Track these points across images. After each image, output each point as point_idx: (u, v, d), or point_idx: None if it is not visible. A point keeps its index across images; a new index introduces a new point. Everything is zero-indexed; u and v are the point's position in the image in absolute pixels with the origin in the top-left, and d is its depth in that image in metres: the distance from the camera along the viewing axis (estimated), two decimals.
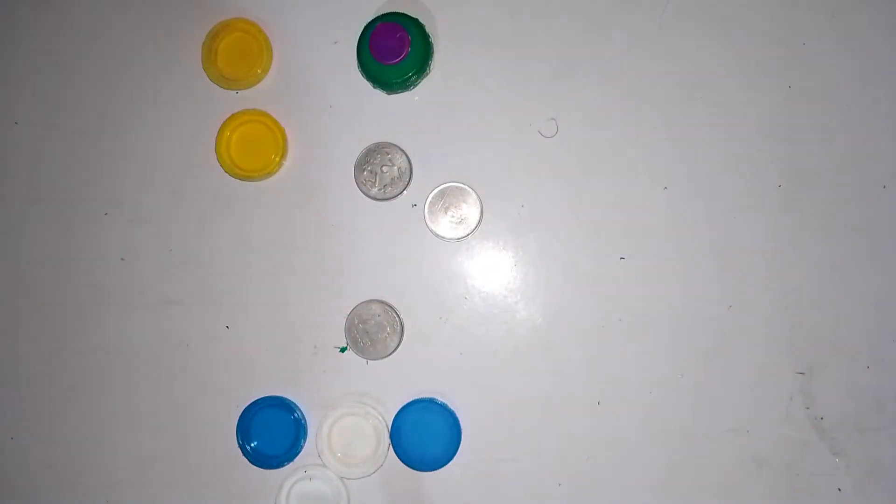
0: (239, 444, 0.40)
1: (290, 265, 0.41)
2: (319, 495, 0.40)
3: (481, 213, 0.40)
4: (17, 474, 0.42)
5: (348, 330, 0.40)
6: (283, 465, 0.41)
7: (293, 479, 0.40)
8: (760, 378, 0.40)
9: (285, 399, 0.41)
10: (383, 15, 0.40)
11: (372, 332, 0.40)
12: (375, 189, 0.40)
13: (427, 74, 0.41)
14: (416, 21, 0.40)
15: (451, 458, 0.39)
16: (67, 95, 0.43)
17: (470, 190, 0.40)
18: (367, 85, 0.41)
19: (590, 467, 0.40)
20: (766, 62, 0.40)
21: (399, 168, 0.40)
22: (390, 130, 0.41)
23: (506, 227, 0.41)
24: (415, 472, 0.40)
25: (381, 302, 0.40)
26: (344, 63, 0.41)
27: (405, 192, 0.41)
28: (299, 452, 0.41)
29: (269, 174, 0.41)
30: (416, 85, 0.41)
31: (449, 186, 0.40)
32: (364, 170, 0.40)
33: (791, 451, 0.39)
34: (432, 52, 0.41)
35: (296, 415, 0.40)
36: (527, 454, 0.40)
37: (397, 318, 0.40)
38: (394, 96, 0.41)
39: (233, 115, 0.41)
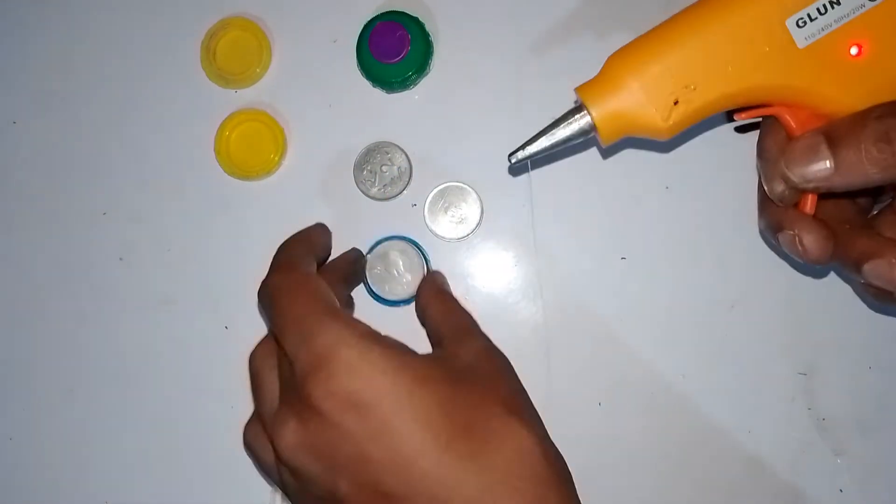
0: None
1: None
2: None
3: (481, 212, 0.40)
4: (17, 474, 0.42)
5: None
6: None
7: None
8: (762, 378, 0.39)
9: None
10: (383, 14, 0.40)
11: None
12: (375, 189, 0.40)
13: (427, 74, 0.41)
14: (416, 20, 0.39)
15: None
16: (66, 95, 0.43)
17: (470, 189, 0.40)
18: (367, 84, 0.40)
19: (590, 468, 0.39)
20: None
21: (399, 168, 0.40)
22: (390, 130, 0.41)
23: (506, 226, 0.40)
24: None
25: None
26: (344, 62, 0.41)
27: (405, 191, 0.41)
28: None
29: (269, 173, 0.41)
30: (416, 84, 0.41)
31: (449, 186, 0.40)
32: (364, 169, 0.40)
33: (793, 452, 0.39)
34: (432, 52, 0.40)
35: None
36: None
37: None
38: (394, 96, 0.41)
39: (232, 114, 0.41)
